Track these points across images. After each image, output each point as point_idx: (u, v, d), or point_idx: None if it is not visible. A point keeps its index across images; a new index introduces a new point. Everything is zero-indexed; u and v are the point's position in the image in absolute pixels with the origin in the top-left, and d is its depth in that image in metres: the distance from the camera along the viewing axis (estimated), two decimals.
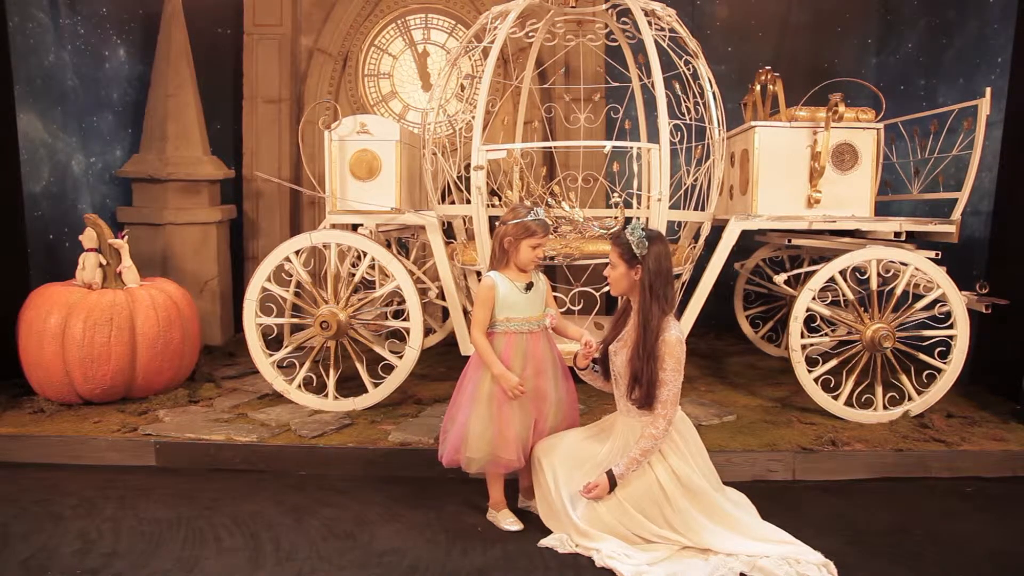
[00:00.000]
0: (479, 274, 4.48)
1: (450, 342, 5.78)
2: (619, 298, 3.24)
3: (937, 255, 4.29)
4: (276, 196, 6.38)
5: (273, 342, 4.66)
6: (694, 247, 4.53)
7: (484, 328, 3.18)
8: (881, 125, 4.62)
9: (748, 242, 5.42)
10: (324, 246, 4.40)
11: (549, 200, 4.54)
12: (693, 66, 4.40)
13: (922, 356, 4.26)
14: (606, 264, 3.17)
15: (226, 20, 6.54)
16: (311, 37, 6.45)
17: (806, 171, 4.51)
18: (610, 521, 2.97)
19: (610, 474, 2.99)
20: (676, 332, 3.00)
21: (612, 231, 4.18)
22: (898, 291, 4.24)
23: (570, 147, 5.67)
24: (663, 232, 3.83)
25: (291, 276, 4.53)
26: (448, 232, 4.99)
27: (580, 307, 4.34)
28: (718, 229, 4.59)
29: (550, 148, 5.59)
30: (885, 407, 4.24)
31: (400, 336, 4.52)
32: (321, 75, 6.42)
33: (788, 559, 2.82)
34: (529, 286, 3.21)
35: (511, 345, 3.17)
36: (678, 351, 2.98)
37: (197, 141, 5.95)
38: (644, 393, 2.98)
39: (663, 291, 3.00)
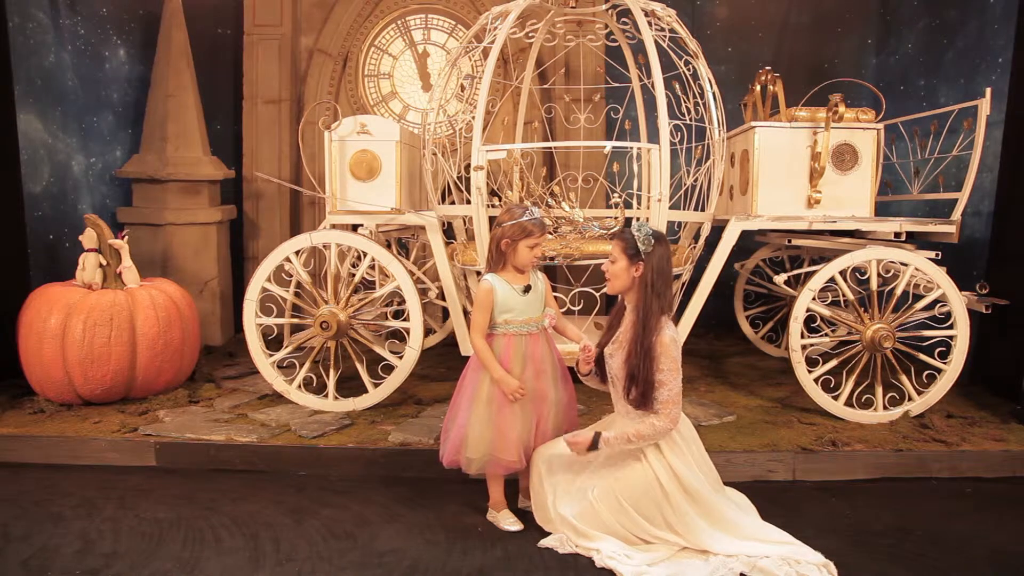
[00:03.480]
0: (479, 274, 4.48)
1: (450, 342, 5.78)
2: (618, 298, 3.24)
3: (937, 255, 4.29)
4: (276, 196, 6.38)
5: (273, 342, 4.66)
6: (694, 247, 4.53)
7: (483, 332, 3.18)
8: (881, 125, 4.62)
9: (748, 242, 5.42)
10: (324, 246, 4.40)
11: (549, 200, 4.54)
12: (693, 66, 4.40)
13: (922, 356, 4.26)
14: (609, 296, 3.17)
15: (226, 20, 6.55)
16: (311, 37, 6.45)
17: (806, 171, 4.51)
18: (609, 521, 2.97)
19: (597, 435, 2.99)
20: (671, 332, 2.99)
21: (612, 231, 4.18)
22: (898, 291, 4.24)
23: (570, 147, 5.67)
24: (663, 233, 3.83)
25: (291, 276, 4.53)
26: (448, 232, 4.99)
27: (580, 307, 4.34)
28: (718, 229, 4.59)
29: (550, 148, 5.59)
30: (885, 407, 4.24)
31: (400, 336, 4.53)
32: (321, 75, 6.43)
33: (788, 559, 2.82)
34: (527, 288, 3.20)
35: (510, 347, 3.17)
36: (673, 351, 2.97)
37: (197, 141, 5.95)
38: (641, 392, 2.97)
39: (663, 290, 3.01)
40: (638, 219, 3.16)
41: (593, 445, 2.99)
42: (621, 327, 3.13)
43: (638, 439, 2.96)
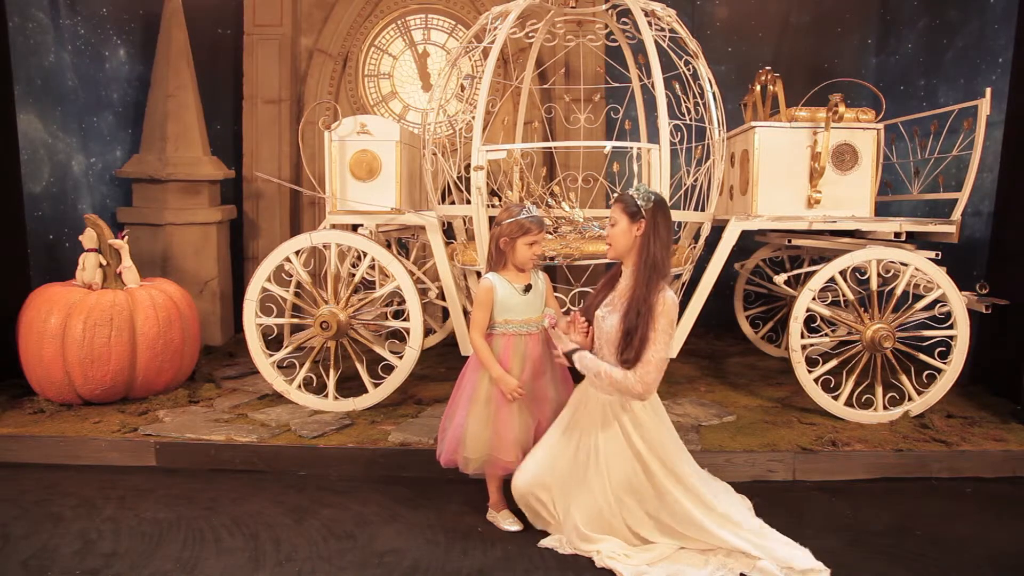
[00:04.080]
0: (479, 274, 4.48)
1: (450, 342, 5.78)
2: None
3: (937, 255, 4.29)
4: (276, 196, 6.38)
5: (273, 342, 4.66)
6: (694, 247, 4.53)
7: (483, 330, 3.18)
8: (881, 125, 4.62)
9: (748, 242, 5.42)
10: (324, 246, 4.40)
11: (549, 200, 4.54)
12: (693, 66, 4.40)
13: (922, 356, 4.26)
14: (606, 264, 3.15)
15: (226, 20, 6.55)
16: (311, 37, 6.45)
17: (806, 171, 4.51)
18: (609, 516, 2.96)
19: (578, 350, 3.01)
20: (672, 295, 2.92)
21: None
22: (898, 291, 4.24)
23: (570, 147, 5.67)
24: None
25: (291, 276, 4.53)
26: (448, 232, 4.99)
27: (580, 307, 4.33)
28: (718, 229, 4.59)
29: (550, 148, 5.58)
30: (885, 407, 4.24)
31: (400, 336, 4.53)
32: (321, 75, 6.42)
33: (785, 564, 2.80)
34: (528, 288, 3.20)
35: (510, 347, 3.17)
36: (672, 312, 2.89)
37: (197, 141, 5.95)
38: (636, 352, 2.86)
39: (666, 246, 2.95)
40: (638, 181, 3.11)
41: (571, 353, 3.02)
42: (615, 291, 3.07)
43: (607, 378, 2.89)
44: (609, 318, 3.00)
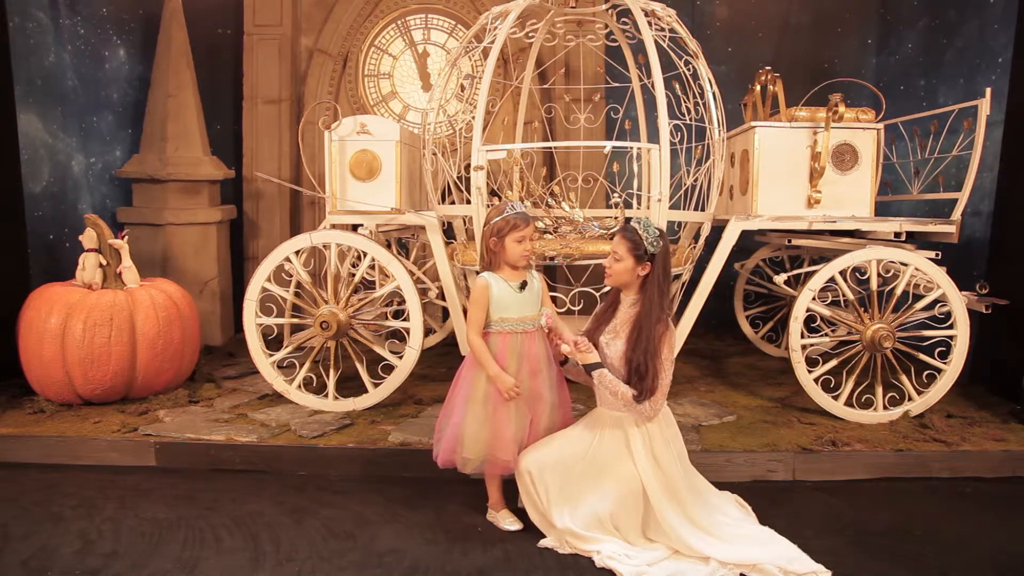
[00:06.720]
0: (479, 274, 4.48)
1: (450, 342, 5.78)
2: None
3: (937, 255, 4.29)
4: (276, 196, 6.38)
5: (273, 342, 4.66)
6: (694, 247, 4.53)
7: (479, 329, 3.17)
8: (881, 125, 4.62)
9: (748, 242, 5.42)
10: (324, 246, 4.40)
11: (549, 200, 4.54)
12: (693, 66, 4.40)
13: (922, 356, 4.26)
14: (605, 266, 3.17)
15: (226, 20, 6.55)
16: (311, 37, 6.45)
17: (806, 171, 4.51)
18: (605, 521, 2.96)
19: (600, 364, 3.04)
20: (671, 326, 3.05)
21: (613, 230, 4.18)
22: (898, 291, 4.24)
23: (570, 147, 5.67)
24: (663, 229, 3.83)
25: (291, 276, 4.53)
26: (448, 232, 4.99)
27: (580, 307, 4.34)
28: (718, 229, 4.59)
29: (550, 148, 5.59)
30: (885, 407, 4.24)
31: (400, 336, 4.53)
32: (321, 75, 6.42)
33: (782, 568, 2.79)
34: (523, 285, 3.19)
35: (506, 345, 3.16)
36: (673, 341, 3.03)
37: (197, 141, 5.95)
38: (649, 388, 2.97)
39: (667, 287, 3.05)
40: (638, 219, 3.14)
41: (591, 367, 3.05)
42: (616, 318, 3.13)
43: (623, 399, 2.98)
44: (612, 345, 3.09)
